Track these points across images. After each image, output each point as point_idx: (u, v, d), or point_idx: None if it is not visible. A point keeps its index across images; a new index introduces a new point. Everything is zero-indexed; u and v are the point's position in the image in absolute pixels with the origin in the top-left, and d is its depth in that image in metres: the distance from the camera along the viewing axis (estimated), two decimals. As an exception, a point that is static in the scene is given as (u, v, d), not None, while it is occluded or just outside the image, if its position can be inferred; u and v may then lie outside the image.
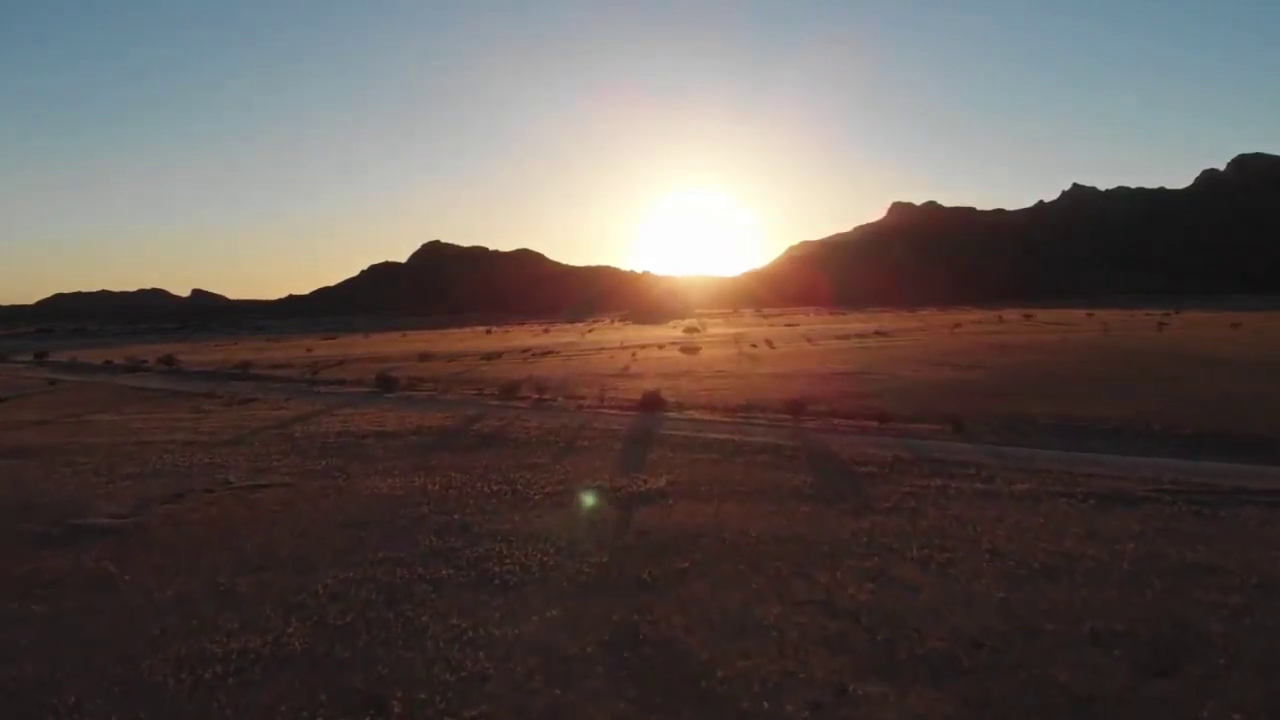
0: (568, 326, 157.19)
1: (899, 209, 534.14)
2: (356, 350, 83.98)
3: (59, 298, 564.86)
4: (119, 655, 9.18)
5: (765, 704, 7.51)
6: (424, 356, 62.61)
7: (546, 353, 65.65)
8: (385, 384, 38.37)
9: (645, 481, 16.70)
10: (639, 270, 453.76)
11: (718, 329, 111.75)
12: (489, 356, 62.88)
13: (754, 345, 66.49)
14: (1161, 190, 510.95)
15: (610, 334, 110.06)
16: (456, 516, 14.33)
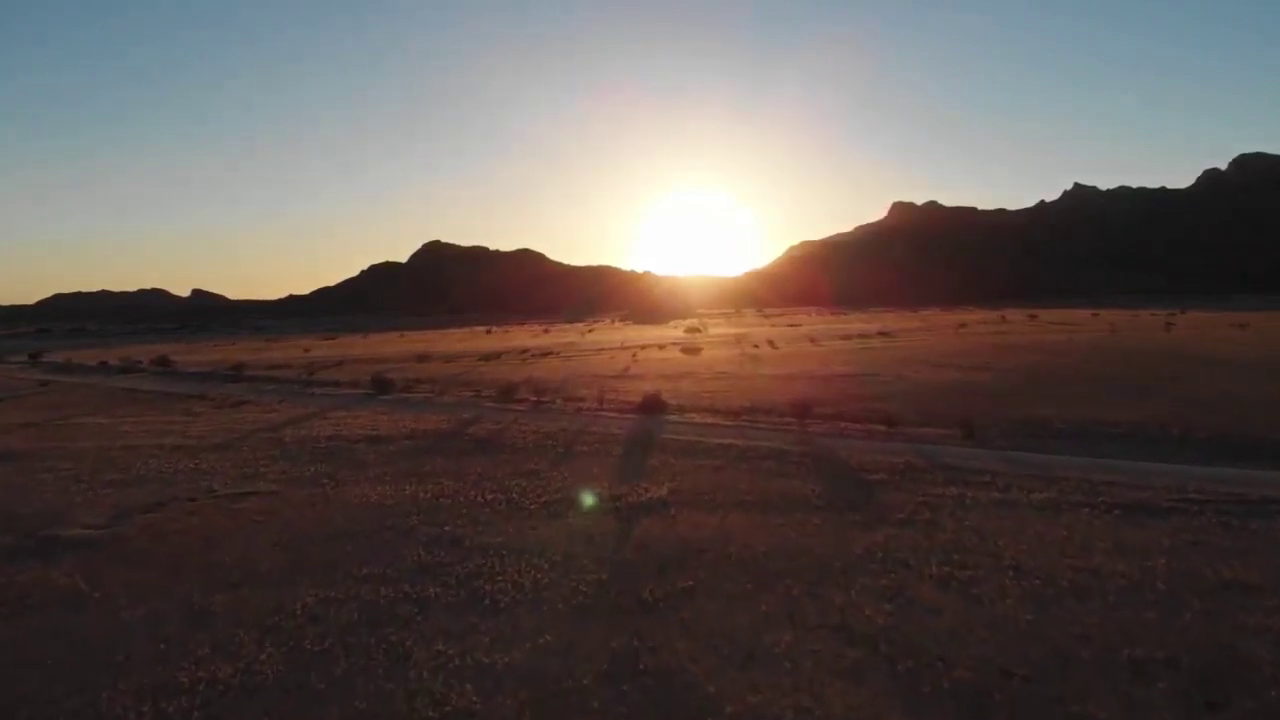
0: (568, 327, 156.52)
1: (900, 209, 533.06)
2: (354, 351, 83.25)
3: (59, 298, 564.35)
4: (78, 684, 8.49)
5: (779, 748, 6.81)
6: (422, 357, 61.89)
7: (546, 353, 64.93)
8: (381, 386, 37.66)
9: (646, 490, 15.99)
10: (639, 270, 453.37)
11: (719, 329, 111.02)
12: (487, 357, 62.16)
13: (756, 346, 65.76)
14: (1163, 190, 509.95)
15: (610, 334, 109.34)
16: (447, 528, 13.62)
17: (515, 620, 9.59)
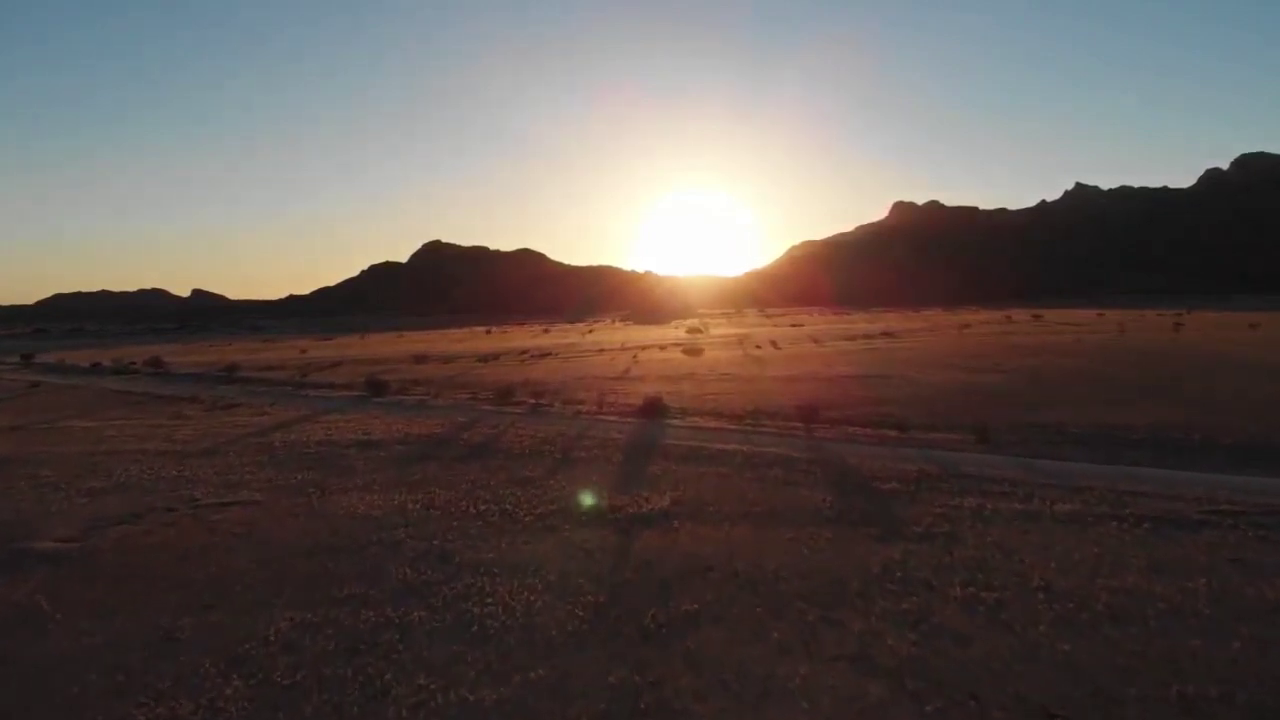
0: (568, 327, 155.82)
1: (901, 208, 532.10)
2: (351, 351, 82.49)
3: (58, 298, 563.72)
4: (21, 724, 7.69)
5: (800, 809, 6.01)
6: (419, 358, 61.11)
7: (545, 354, 64.14)
8: (375, 388, 36.88)
9: (647, 500, 15.18)
10: (640, 270, 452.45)
11: (720, 329, 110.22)
12: (486, 358, 61.36)
13: (758, 347, 64.96)
14: (1164, 190, 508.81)
15: (611, 335, 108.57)
16: (436, 542, 12.82)
17: (505, 650, 8.79)
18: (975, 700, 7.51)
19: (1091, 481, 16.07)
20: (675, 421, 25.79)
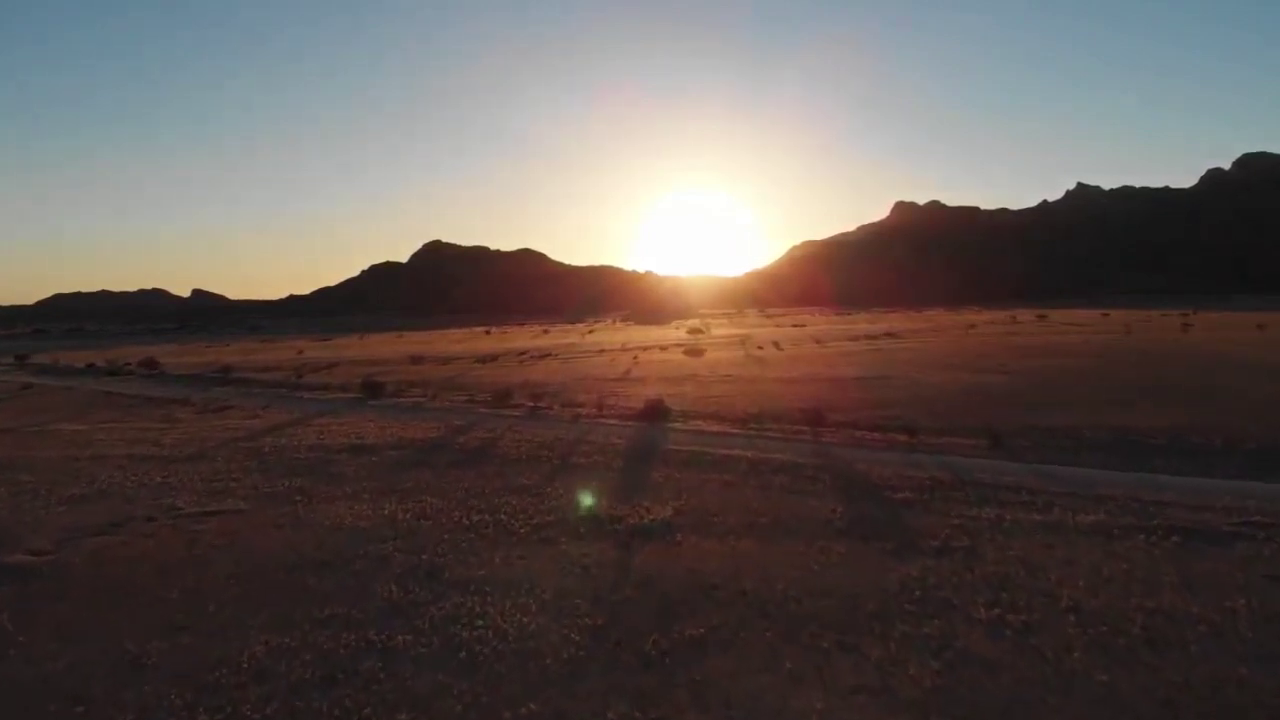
0: (568, 327, 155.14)
1: (902, 208, 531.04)
2: (349, 352, 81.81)
3: (58, 298, 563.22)
4: (-35, 765, 7.01)
5: None
6: (416, 359, 60.44)
7: (545, 355, 63.46)
8: (371, 390, 36.21)
9: (648, 509, 14.49)
10: (641, 270, 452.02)
11: (722, 330, 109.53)
12: (484, 359, 60.68)
13: (760, 348, 64.27)
14: (1166, 190, 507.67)
15: (612, 335, 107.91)
16: (425, 557, 12.13)
17: (495, 679, 8.11)
18: (1010, 741, 6.83)
19: (1112, 490, 15.38)
20: (677, 425, 25.11)
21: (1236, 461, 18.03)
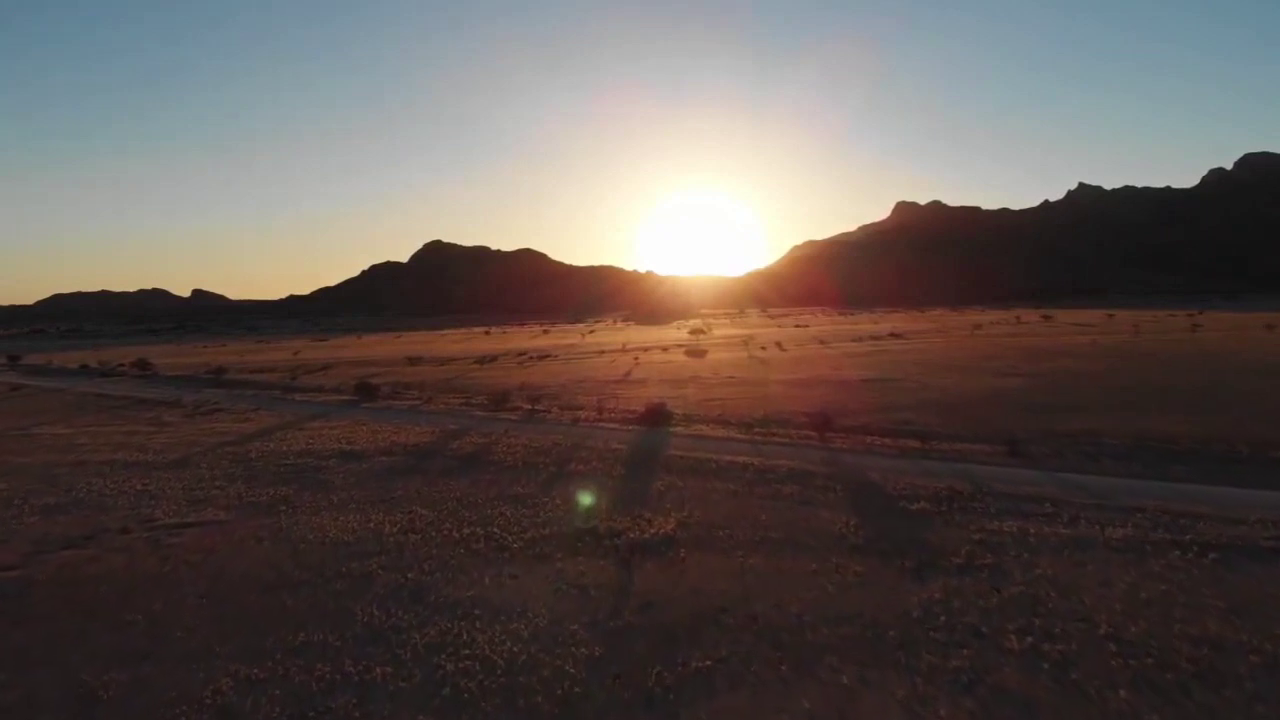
0: (569, 327, 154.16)
1: (903, 208, 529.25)
2: (346, 353, 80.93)
3: (58, 298, 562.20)
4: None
5: None
6: (414, 360, 59.57)
7: (544, 356, 62.59)
8: (365, 392, 35.37)
9: (650, 522, 13.67)
10: (642, 270, 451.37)
11: (724, 330, 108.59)
12: (483, 360, 59.82)
13: (764, 348, 63.39)
14: (1168, 190, 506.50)
15: (612, 335, 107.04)
16: (411, 575, 11.31)
17: (480, 722, 7.30)
18: (1061, 800, 6.02)
19: (1140, 500, 14.54)
20: (679, 429, 24.26)
21: (1266, 470, 17.19)
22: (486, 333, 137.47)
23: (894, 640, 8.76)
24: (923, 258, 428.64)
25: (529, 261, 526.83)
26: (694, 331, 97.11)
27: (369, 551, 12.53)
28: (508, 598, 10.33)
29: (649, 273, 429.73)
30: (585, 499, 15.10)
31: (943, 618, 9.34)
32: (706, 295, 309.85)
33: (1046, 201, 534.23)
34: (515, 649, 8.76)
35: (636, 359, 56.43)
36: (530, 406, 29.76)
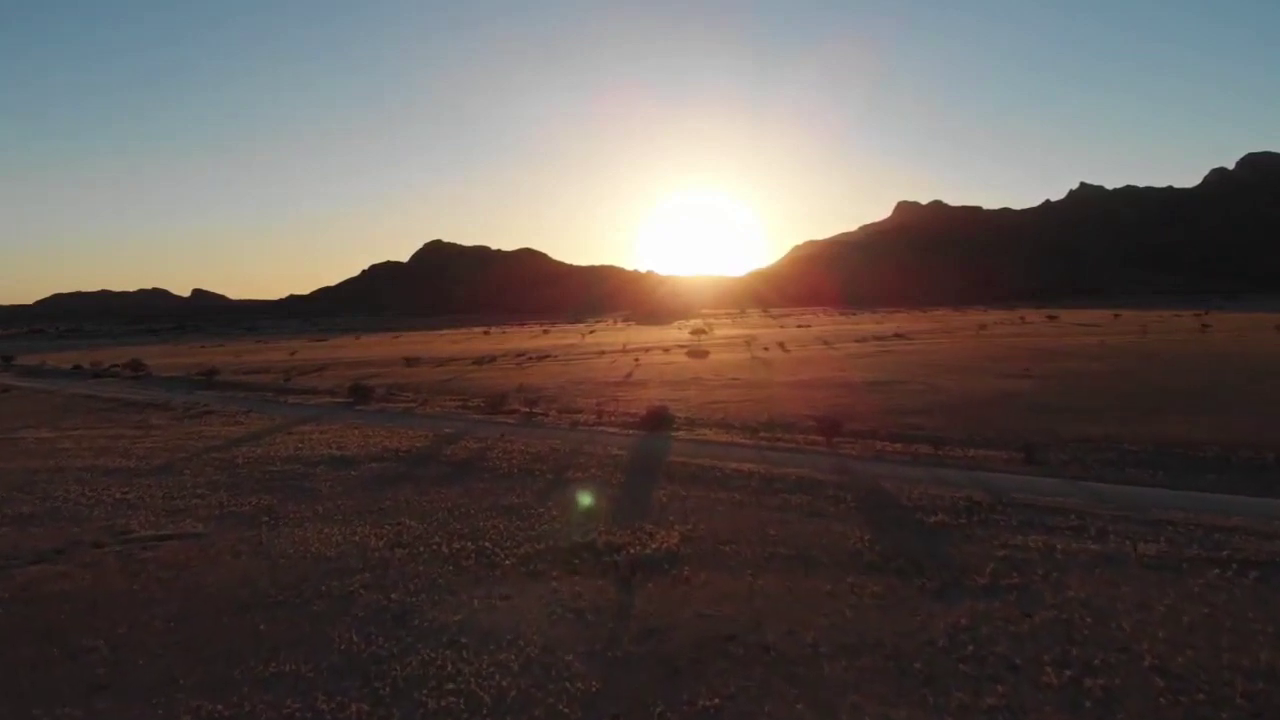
0: (569, 328, 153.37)
1: (904, 208, 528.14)
2: (343, 353, 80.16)
3: (58, 298, 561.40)
4: None
5: None
6: (411, 361, 58.79)
7: (544, 357, 61.81)
8: (359, 394, 34.60)
9: (652, 535, 12.90)
10: (642, 270, 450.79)
11: (725, 330, 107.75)
12: (481, 361, 59.04)
13: (766, 349, 62.58)
14: (1169, 189, 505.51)
15: (613, 336, 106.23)
16: (395, 596, 10.54)
17: (463, 772, 6.52)
18: None
19: (1168, 513, 13.77)
20: (681, 434, 23.50)
21: (1296, 478, 16.40)
22: (486, 333, 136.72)
23: (920, 674, 7.98)
24: (924, 257, 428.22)
25: (529, 261, 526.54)
26: (695, 332, 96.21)
27: (352, 568, 11.76)
28: (498, 622, 9.56)
29: (649, 273, 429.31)
30: (583, 510, 14.35)
31: (971, 647, 8.56)
32: (707, 295, 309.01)
33: (1048, 201, 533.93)
34: (504, 683, 7.99)
35: (637, 360, 55.65)
36: (528, 409, 29.01)
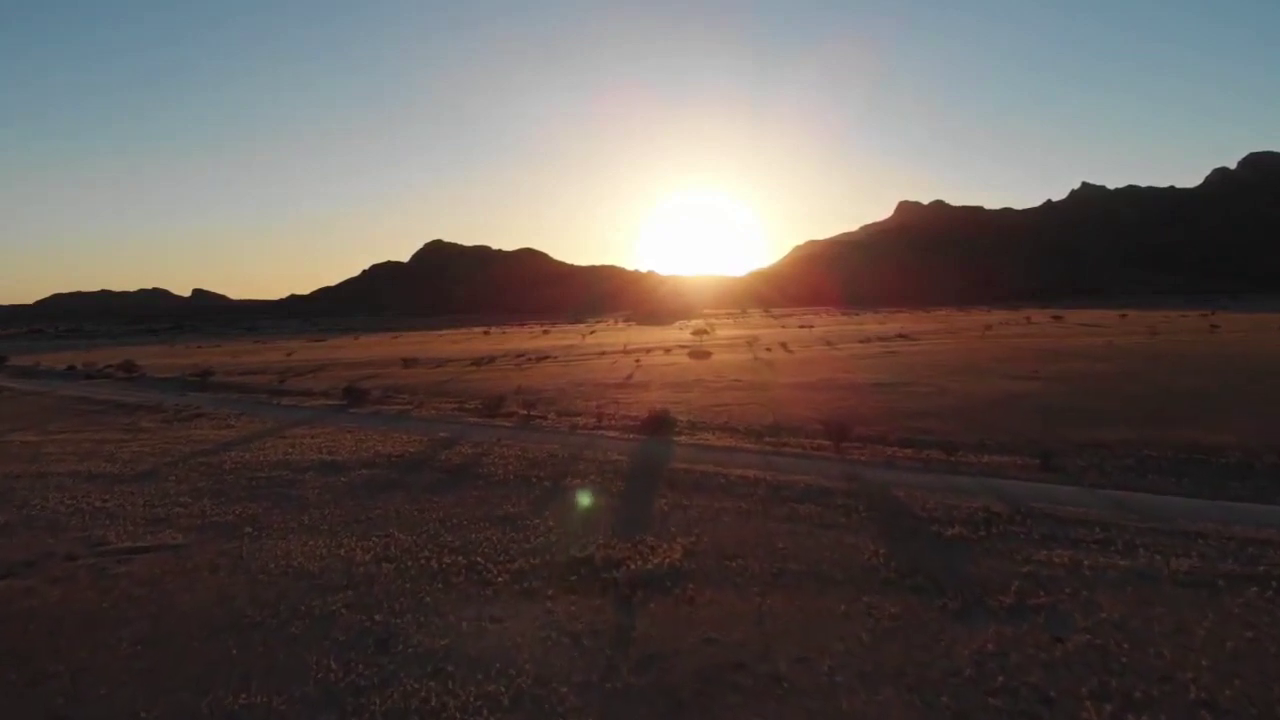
0: (569, 328, 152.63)
1: (906, 208, 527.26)
2: (340, 354, 79.45)
3: (58, 298, 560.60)
4: None
5: None
6: (409, 361, 58.08)
7: (543, 357, 61.08)
8: (354, 396, 33.89)
9: (653, 549, 12.20)
10: (643, 270, 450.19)
11: (726, 331, 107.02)
12: (479, 361, 58.31)
13: (769, 349, 61.85)
14: (1171, 189, 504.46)
15: (613, 336, 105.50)
16: (379, 617, 9.85)
17: (443, 828, 5.83)
18: None
19: (1198, 524, 13.08)
20: (683, 438, 22.81)
21: (1325, 485, 15.70)
22: (486, 333, 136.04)
23: (948, 709, 7.30)
24: (925, 257, 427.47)
25: (530, 261, 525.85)
26: (697, 332, 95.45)
27: (335, 585, 11.07)
28: (487, 648, 8.88)
29: (650, 273, 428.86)
30: (581, 520, 13.72)
31: (1000, 677, 7.88)
32: (708, 295, 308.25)
33: (1049, 201, 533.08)
34: (493, 719, 7.30)
35: (638, 361, 54.93)
36: (526, 412, 28.31)
